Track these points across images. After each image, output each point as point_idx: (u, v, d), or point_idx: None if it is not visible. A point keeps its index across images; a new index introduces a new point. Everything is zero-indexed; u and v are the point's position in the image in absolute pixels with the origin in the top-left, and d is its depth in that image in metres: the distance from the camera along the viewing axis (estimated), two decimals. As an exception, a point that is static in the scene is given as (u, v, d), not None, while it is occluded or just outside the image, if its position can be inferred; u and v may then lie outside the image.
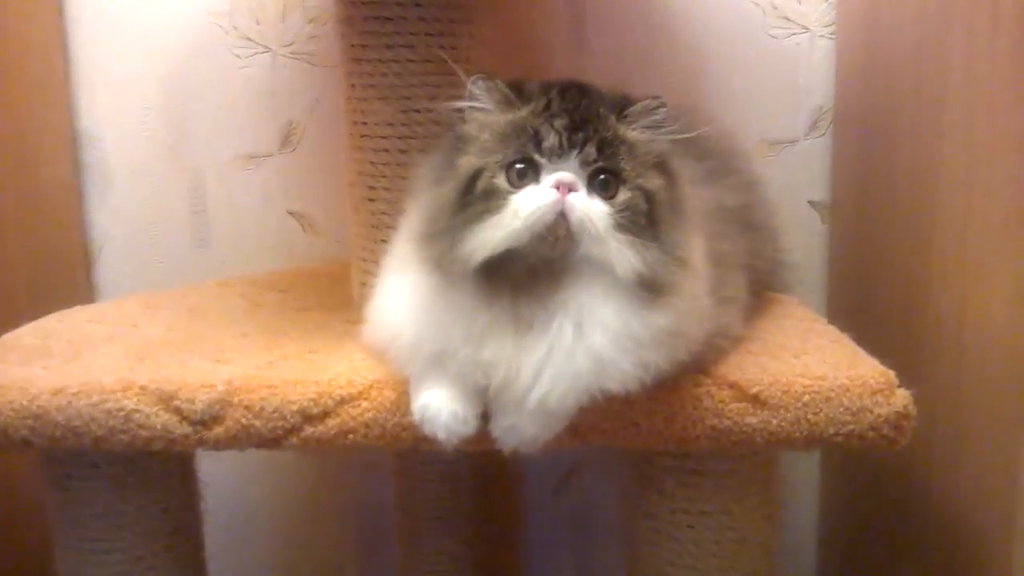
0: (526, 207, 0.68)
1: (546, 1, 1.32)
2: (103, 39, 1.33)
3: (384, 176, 1.00)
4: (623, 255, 0.68)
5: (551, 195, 0.67)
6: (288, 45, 1.33)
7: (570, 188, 0.68)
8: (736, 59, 1.31)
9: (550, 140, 0.69)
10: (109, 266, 1.40)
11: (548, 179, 0.68)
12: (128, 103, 1.35)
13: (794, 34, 1.31)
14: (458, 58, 0.99)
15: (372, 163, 1.00)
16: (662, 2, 1.31)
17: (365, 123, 1.00)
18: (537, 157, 0.69)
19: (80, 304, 1.09)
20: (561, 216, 0.67)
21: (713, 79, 1.32)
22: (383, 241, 0.98)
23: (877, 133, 1.16)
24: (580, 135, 0.69)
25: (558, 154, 0.69)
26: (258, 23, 1.32)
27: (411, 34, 0.97)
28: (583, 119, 0.70)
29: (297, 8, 1.32)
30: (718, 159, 0.97)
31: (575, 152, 0.69)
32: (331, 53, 1.29)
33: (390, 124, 0.99)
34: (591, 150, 0.69)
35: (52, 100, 1.32)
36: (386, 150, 1.00)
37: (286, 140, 1.36)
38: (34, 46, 1.29)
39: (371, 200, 1.01)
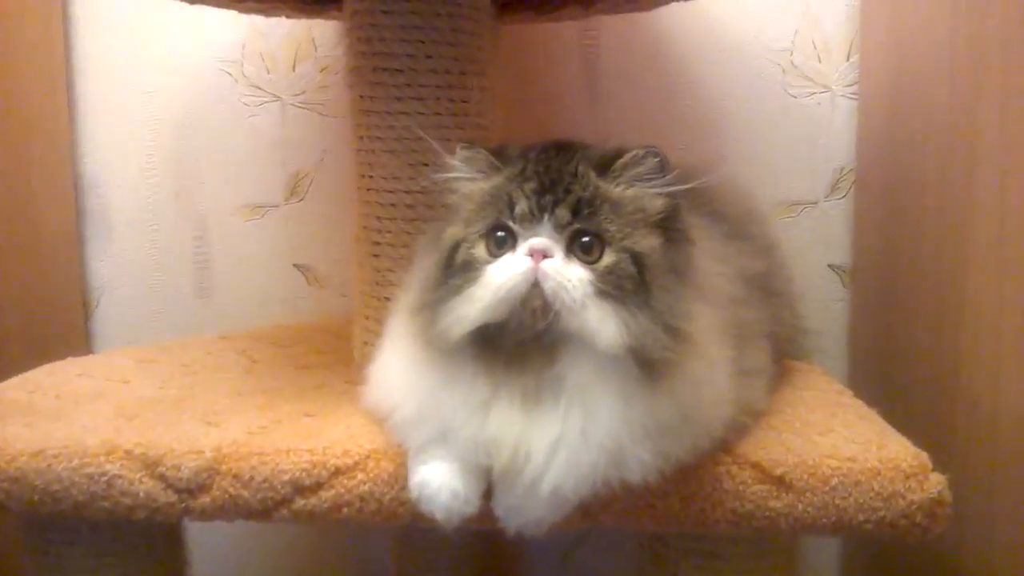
0: (498, 278, 0.64)
1: (560, 57, 1.30)
2: (109, 83, 1.32)
3: (390, 231, 0.97)
4: (605, 325, 0.63)
5: (524, 263, 0.64)
6: (298, 95, 1.31)
7: (544, 254, 0.64)
8: (754, 118, 1.29)
9: (521, 205, 0.66)
10: (108, 315, 1.37)
11: (522, 246, 0.65)
12: (133, 149, 1.34)
13: (814, 93, 1.28)
14: (469, 111, 0.96)
15: (378, 217, 0.97)
16: (678, 59, 1.29)
17: (372, 176, 0.97)
18: (511, 224, 0.66)
19: (77, 354, 1.06)
20: (535, 286, 0.63)
21: (730, 138, 1.30)
22: (387, 299, 0.95)
23: (902, 195, 1.12)
24: (549, 197, 0.66)
25: (530, 219, 0.65)
26: (268, 72, 1.31)
27: (421, 86, 0.94)
28: (554, 180, 0.67)
29: (308, 58, 1.30)
30: (735, 222, 0.93)
31: (546, 216, 0.65)
32: (341, 103, 1.28)
33: (396, 178, 0.96)
34: (563, 212, 0.65)
35: (55, 144, 1.30)
36: (392, 204, 0.96)
37: (293, 191, 1.33)
38: (39, 89, 1.28)
39: (375, 256, 0.98)
